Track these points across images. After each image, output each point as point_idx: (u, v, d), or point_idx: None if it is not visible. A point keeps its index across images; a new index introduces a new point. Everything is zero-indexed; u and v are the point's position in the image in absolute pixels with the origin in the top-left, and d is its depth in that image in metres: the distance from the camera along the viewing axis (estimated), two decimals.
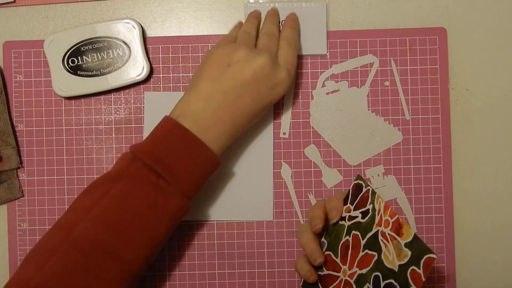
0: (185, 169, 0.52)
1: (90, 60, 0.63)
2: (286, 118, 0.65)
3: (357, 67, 0.65)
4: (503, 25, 0.65)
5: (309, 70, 0.65)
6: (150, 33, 0.66)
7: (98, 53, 0.63)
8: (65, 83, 0.63)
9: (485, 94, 0.65)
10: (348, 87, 0.65)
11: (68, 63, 0.63)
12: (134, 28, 0.63)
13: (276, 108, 0.65)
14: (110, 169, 0.53)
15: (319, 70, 0.65)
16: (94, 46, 0.63)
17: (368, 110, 0.64)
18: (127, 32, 0.63)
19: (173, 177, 0.52)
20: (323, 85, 0.65)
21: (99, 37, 0.63)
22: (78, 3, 0.66)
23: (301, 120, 0.65)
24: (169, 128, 0.53)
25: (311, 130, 0.65)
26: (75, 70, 0.63)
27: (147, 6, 0.66)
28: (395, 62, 0.64)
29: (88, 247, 0.49)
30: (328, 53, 0.64)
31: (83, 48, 0.63)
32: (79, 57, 0.63)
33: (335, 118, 0.65)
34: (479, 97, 0.65)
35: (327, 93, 0.65)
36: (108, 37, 0.63)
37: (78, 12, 0.66)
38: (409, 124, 0.64)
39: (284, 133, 0.65)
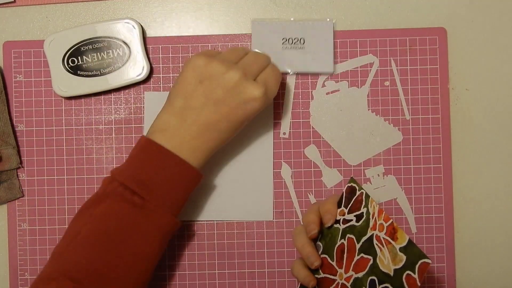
0: (161, 184, 0.52)
1: (90, 60, 0.63)
2: (286, 118, 0.65)
3: (357, 67, 0.65)
4: (503, 25, 0.65)
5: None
6: (150, 33, 0.66)
7: (98, 53, 0.63)
8: (65, 83, 0.63)
9: (485, 94, 0.65)
10: (348, 87, 0.65)
11: (68, 63, 0.63)
12: (134, 28, 0.63)
13: (276, 108, 0.65)
14: (91, 197, 0.54)
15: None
16: (94, 46, 0.63)
17: (368, 110, 0.64)
18: (127, 32, 0.63)
19: (148, 193, 0.52)
20: (323, 85, 0.65)
21: (99, 37, 0.63)
22: (78, 3, 0.66)
23: (301, 120, 0.65)
24: (142, 145, 0.54)
25: (311, 130, 0.65)
26: (75, 70, 0.63)
27: (147, 6, 0.66)
28: (395, 62, 0.64)
29: (76, 274, 0.49)
30: (334, 71, 0.64)
31: (83, 48, 0.63)
32: (79, 57, 0.63)
33: (335, 118, 0.65)
34: (479, 97, 0.65)
35: (327, 93, 0.65)
36: (108, 37, 0.63)
37: (78, 12, 0.66)
38: (409, 124, 0.64)
39: (284, 133, 0.65)
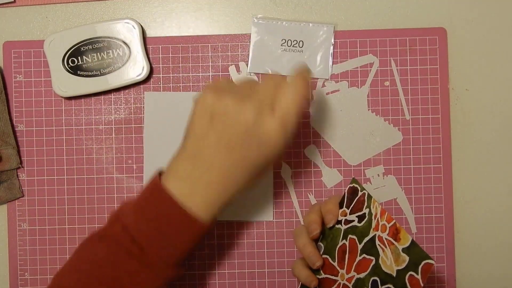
0: (163, 236, 0.49)
1: (90, 60, 0.63)
2: None
3: (357, 67, 0.65)
4: (503, 25, 0.65)
5: None
6: (150, 33, 0.66)
7: (98, 53, 0.63)
8: (65, 83, 0.63)
9: (485, 94, 0.65)
10: (348, 87, 0.65)
11: (68, 63, 0.63)
12: (134, 28, 0.63)
13: None
14: (101, 227, 0.52)
15: None
16: (94, 46, 0.63)
17: (368, 110, 0.64)
18: (127, 32, 0.63)
19: (148, 243, 0.48)
20: (323, 85, 0.65)
21: (99, 37, 0.63)
22: (78, 3, 0.66)
23: (301, 120, 0.65)
24: (153, 188, 0.50)
25: (311, 130, 0.65)
26: (75, 70, 0.63)
27: (147, 6, 0.66)
28: (395, 62, 0.65)
29: None
30: (329, 78, 0.64)
31: (83, 48, 0.63)
32: (79, 57, 0.63)
33: (335, 118, 0.65)
34: (479, 97, 0.65)
35: (327, 93, 0.65)
36: (108, 37, 0.63)
37: (78, 12, 0.66)
38: (409, 124, 0.64)
39: None
